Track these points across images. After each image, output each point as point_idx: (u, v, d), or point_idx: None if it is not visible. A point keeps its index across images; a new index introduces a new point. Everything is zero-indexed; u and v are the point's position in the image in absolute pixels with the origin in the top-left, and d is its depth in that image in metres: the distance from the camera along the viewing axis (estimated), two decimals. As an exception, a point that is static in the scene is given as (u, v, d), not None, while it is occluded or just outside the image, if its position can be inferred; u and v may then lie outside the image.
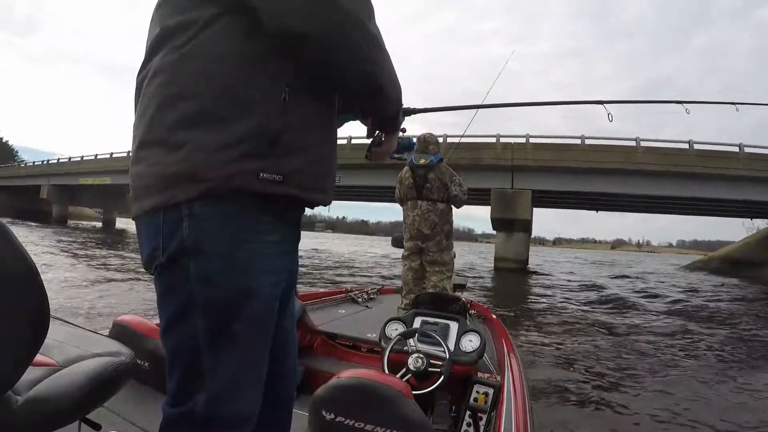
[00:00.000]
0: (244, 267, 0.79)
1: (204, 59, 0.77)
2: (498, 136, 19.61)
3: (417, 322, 2.05)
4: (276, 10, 0.75)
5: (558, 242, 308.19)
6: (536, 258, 29.78)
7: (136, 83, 0.86)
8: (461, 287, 3.62)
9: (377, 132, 1.15)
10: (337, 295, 3.54)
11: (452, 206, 3.50)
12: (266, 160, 0.78)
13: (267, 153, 0.78)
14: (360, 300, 3.58)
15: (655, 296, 11.40)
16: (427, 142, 3.50)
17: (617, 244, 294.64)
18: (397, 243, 3.80)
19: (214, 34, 0.77)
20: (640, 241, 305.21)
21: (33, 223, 27.87)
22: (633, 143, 17.97)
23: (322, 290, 3.76)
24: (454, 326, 2.00)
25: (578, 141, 18.75)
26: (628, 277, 18.76)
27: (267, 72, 0.79)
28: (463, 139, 19.33)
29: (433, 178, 3.36)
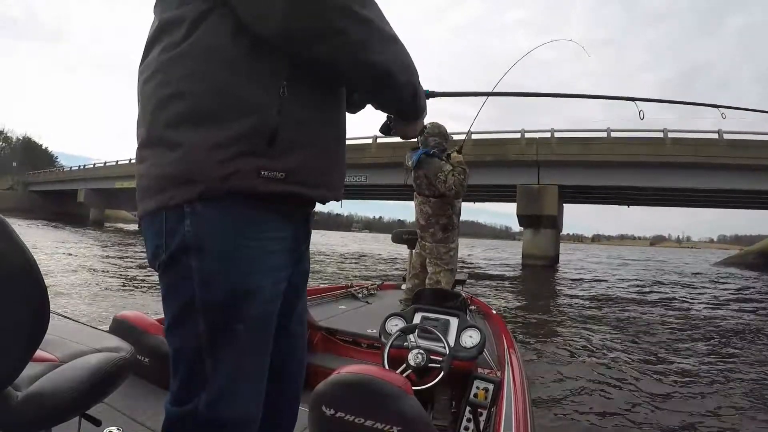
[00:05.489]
0: (245, 266, 0.78)
1: (196, 57, 0.75)
2: (522, 131, 19.32)
3: (417, 318, 2.05)
4: (251, 9, 0.73)
5: (596, 239, 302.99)
6: (566, 257, 29.16)
7: (138, 73, 0.85)
8: (461, 282, 3.58)
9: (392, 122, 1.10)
10: (337, 291, 3.53)
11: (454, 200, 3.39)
12: (265, 157, 0.76)
13: (265, 151, 0.76)
14: (360, 295, 3.56)
15: (677, 297, 11.07)
16: (426, 134, 3.37)
17: (656, 241, 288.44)
18: (397, 238, 3.80)
19: (205, 30, 0.75)
20: (680, 237, 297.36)
21: (43, 222, 28.69)
22: (660, 134, 17.41)
23: (321, 286, 3.75)
24: (454, 322, 2.00)
25: (604, 134, 18.31)
26: (661, 281, 18.10)
27: (261, 67, 0.77)
28: (488, 135, 19.26)
29: (421, 175, 3.29)
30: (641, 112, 1.65)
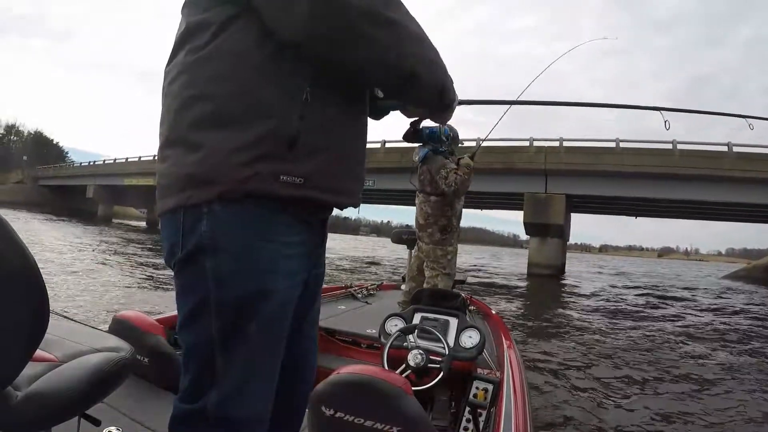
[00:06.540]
0: (260, 268, 0.79)
1: (221, 60, 0.76)
2: (531, 140, 19.20)
3: (416, 318, 2.05)
4: (276, 16, 0.73)
5: (604, 249, 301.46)
6: (573, 267, 28.95)
7: (164, 74, 0.86)
8: (460, 283, 3.56)
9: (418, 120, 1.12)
10: (336, 291, 3.52)
11: (455, 199, 3.36)
12: (285, 162, 0.77)
13: (285, 155, 0.76)
14: (359, 296, 3.55)
15: (683, 308, 11.00)
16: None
17: (664, 252, 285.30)
18: (396, 238, 3.77)
19: (231, 34, 0.76)
20: (689, 249, 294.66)
21: (52, 218, 28.63)
22: (670, 146, 17.21)
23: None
24: (453, 322, 2.00)
25: (613, 144, 18.20)
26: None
27: (286, 72, 0.77)
28: (496, 143, 19.22)
29: (425, 170, 3.29)
30: (667, 122, 1.66)
